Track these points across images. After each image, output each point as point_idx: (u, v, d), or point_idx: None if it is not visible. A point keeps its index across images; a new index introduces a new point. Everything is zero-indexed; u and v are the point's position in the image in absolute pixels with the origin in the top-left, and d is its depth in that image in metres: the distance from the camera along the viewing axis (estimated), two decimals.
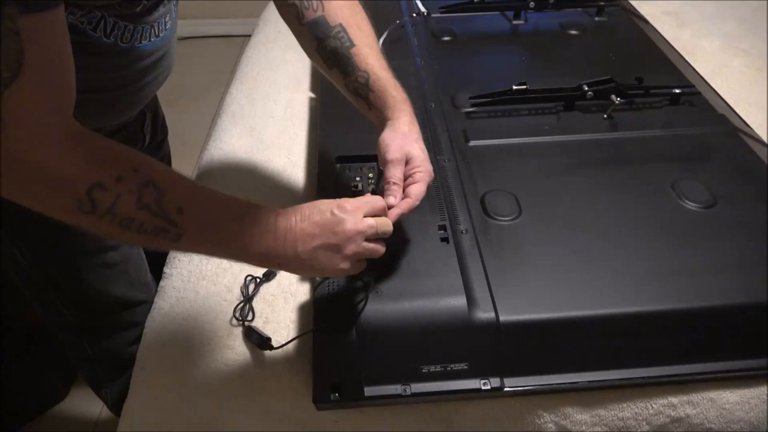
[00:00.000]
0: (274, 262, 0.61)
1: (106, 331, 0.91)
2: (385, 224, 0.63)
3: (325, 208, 0.61)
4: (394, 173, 0.69)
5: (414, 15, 1.29)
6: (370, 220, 0.62)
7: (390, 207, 0.67)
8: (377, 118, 0.74)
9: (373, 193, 0.76)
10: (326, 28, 0.72)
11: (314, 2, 0.72)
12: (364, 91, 0.73)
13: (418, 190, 0.68)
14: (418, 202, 0.68)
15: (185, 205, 0.55)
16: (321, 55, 0.74)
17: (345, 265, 0.62)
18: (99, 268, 0.85)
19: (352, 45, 0.72)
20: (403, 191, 0.69)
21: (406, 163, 0.70)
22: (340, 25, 0.72)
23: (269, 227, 0.59)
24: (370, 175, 0.86)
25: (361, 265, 0.64)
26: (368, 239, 0.62)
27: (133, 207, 0.53)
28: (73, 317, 0.88)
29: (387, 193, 0.68)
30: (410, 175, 0.69)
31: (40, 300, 0.89)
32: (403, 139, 0.70)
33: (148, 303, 0.89)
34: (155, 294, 0.89)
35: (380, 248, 0.64)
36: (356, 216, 0.61)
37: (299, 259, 0.60)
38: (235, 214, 0.59)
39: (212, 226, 0.58)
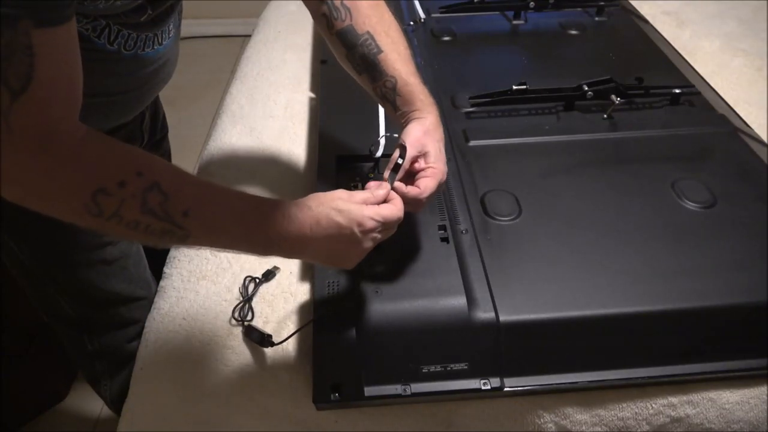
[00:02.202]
0: (277, 254, 0.63)
1: (106, 327, 0.92)
2: (391, 213, 0.63)
3: (340, 219, 0.61)
4: (405, 159, 0.69)
5: (411, 23, 1.29)
6: (380, 212, 0.62)
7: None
8: (404, 117, 0.74)
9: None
10: (354, 37, 0.74)
11: (342, 12, 0.74)
12: (391, 96, 0.74)
13: (426, 183, 0.68)
14: (425, 195, 0.68)
15: (191, 208, 0.56)
16: (350, 62, 0.76)
17: (353, 264, 0.65)
18: (97, 264, 0.85)
19: (380, 51, 0.74)
20: (414, 183, 0.69)
21: (423, 157, 0.70)
22: (368, 32, 0.74)
23: (278, 234, 0.60)
24: (371, 175, 0.86)
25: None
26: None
27: (138, 211, 0.53)
28: (73, 311, 0.89)
29: (389, 171, 0.69)
30: (424, 170, 0.70)
31: (40, 295, 0.90)
32: (425, 134, 0.71)
33: (147, 300, 0.90)
34: (155, 291, 0.89)
35: (389, 232, 0.65)
36: (364, 220, 0.62)
37: (309, 258, 0.65)
38: (240, 217, 0.59)
39: (218, 229, 0.59)
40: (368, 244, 0.63)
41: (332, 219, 0.61)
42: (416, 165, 0.70)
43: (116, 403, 0.98)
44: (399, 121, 0.75)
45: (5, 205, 0.76)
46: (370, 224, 0.61)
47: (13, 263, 0.85)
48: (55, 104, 0.50)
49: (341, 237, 0.61)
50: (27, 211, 0.79)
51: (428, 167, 0.69)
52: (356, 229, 0.61)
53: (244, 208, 0.60)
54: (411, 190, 0.67)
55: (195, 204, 0.56)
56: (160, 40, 0.74)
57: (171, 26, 0.75)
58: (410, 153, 0.68)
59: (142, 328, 0.84)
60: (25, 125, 0.48)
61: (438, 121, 0.73)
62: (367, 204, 0.63)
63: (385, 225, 0.63)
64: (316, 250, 0.63)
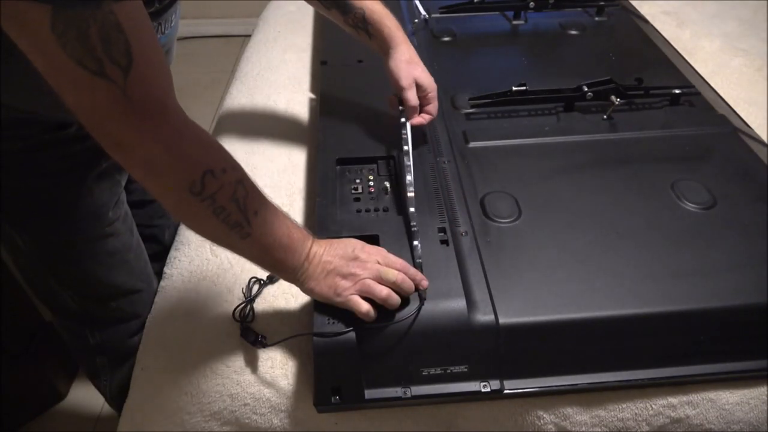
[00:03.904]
0: (297, 276, 0.68)
1: (108, 321, 0.92)
2: (390, 273, 0.67)
3: (350, 248, 0.69)
4: (411, 96, 0.85)
5: (415, 21, 1.29)
6: (384, 252, 0.69)
7: (414, 123, 0.86)
8: (378, 46, 0.88)
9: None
10: None
11: None
12: (362, 25, 0.86)
13: (434, 107, 0.89)
14: (436, 114, 0.89)
15: (259, 210, 0.62)
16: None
17: (350, 291, 0.67)
18: (99, 255, 0.85)
19: None
20: (421, 110, 0.88)
21: (419, 88, 0.86)
22: None
23: (304, 248, 0.67)
24: (370, 176, 0.86)
25: (368, 308, 0.67)
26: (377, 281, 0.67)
27: (228, 198, 0.59)
28: (75, 304, 0.89)
29: (409, 113, 0.86)
30: (424, 97, 0.87)
31: (42, 287, 0.90)
32: (408, 66, 0.85)
33: (148, 293, 0.90)
34: (156, 288, 0.89)
35: (382, 291, 0.67)
36: (370, 258, 0.68)
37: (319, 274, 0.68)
38: (287, 230, 0.65)
39: (271, 234, 0.64)
40: (359, 270, 0.67)
41: (342, 242, 0.70)
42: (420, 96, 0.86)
43: (116, 398, 0.99)
44: (374, 47, 0.88)
45: (7, 195, 0.76)
46: (374, 251, 0.69)
47: (15, 255, 0.85)
48: (156, 77, 0.52)
49: (343, 256, 0.68)
50: (28, 201, 0.79)
51: (427, 94, 0.87)
52: (358, 248, 0.68)
53: (289, 225, 0.66)
54: (428, 117, 0.88)
55: (262, 207, 0.62)
56: (163, 29, 0.75)
57: (173, 15, 0.76)
58: (412, 89, 0.85)
59: (143, 323, 0.85)
60: (142, 97, 0.51)
61: (408, 44, 0.87)
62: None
63: (384, 260, 0.68)
64: (323, 268, 0.68)
